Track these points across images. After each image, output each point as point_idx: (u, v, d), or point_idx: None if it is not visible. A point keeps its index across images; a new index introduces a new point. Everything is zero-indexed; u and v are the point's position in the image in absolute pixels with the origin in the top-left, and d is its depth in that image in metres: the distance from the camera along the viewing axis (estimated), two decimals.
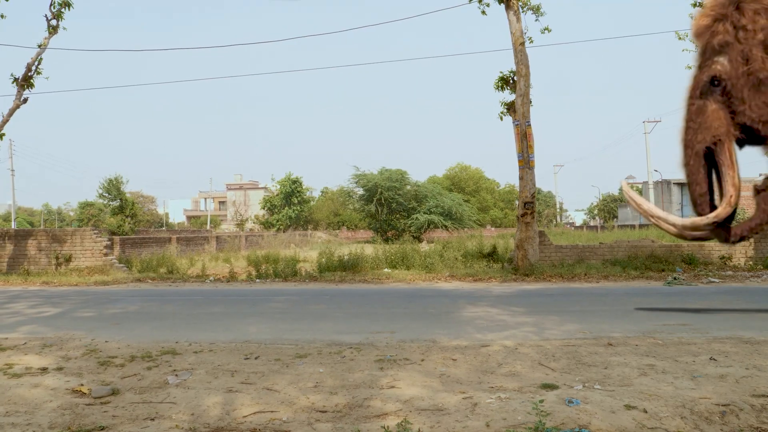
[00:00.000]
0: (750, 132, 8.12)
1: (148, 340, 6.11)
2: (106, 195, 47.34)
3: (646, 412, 3.56)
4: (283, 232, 42.62)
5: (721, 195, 8.25)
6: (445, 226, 40.56)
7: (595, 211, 67.39)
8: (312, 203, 55.88)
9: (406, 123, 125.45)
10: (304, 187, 54.90)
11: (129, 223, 41.91)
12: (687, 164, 8.18)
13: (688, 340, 5.75)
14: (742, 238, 8.32)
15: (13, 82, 15.29)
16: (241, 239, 32.79)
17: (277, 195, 54.23)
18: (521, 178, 13.83)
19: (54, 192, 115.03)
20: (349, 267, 14.86)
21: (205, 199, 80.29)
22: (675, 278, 12.47)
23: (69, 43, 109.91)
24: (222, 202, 78.48)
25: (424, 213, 39.83)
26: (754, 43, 7.84)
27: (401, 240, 23.75)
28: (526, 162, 13.76)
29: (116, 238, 23.40)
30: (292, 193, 53.16)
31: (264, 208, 54.70)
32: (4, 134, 15.25)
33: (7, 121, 15.15)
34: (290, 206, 52.89)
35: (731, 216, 8.02)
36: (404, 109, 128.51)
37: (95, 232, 17.01)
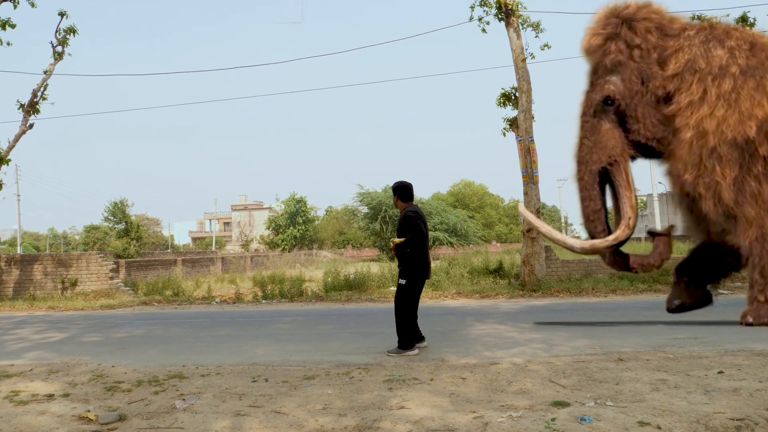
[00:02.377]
0: (644, 148, 8.07)
1: (155, 364, 6.08)
2: (112, 218, 47.54)
3: (659, 428, 3.50)
4: (288, 251, 42.63)
5: (616, 213, 8.21)
6: (451, 243, 40.49)
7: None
8: (317, 222, 55.97)
9: (409, 140, 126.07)
10: (308, 207, 55.02)
11: (134, 246, 42.02)
12: (581, 180, 8.14)
13: (699, 354, 5.68)
14: (631, 270, 8.31)
15: (19, 108, 15.48)
16: (246, 260, 32.80)
17: (281, 215, 54.35)
18: (525, 194, 13.83)
19: (59, 216, 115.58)
20: (356, 286, 14.82)
21: (210, 220, 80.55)
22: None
23: (73, 65, 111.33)
24: (227, 223, 78.69)
25: (430, 230, 39.84)
26: (647, 62, 7.81)
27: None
28: (529, 177, 13.76)
29: (122, 261, 23.44)
30: (296, 212, 53.27)
31: (269, 228, 54.78)
32: (10, 160, 15.39)
33: (13, 146, 15.30)
34: (295, 226, 52.95)
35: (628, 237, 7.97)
36: (407, 126, 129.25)
37: (101, 255, 17.05)
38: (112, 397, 4.72)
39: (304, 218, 53.77)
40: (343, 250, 48.67)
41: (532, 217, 8.52)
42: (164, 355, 6.68)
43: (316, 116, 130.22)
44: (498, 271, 15.50)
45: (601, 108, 7.95)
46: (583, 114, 8.14)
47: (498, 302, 11.97)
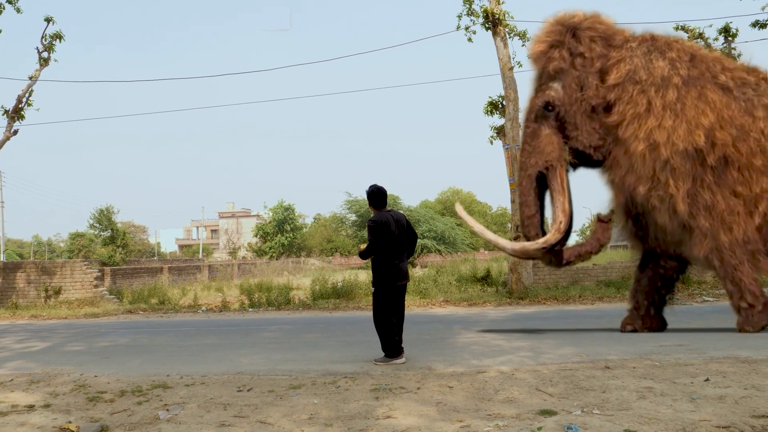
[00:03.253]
0: (583, 156, 8.19)
1: (139, 373, 6.00)
2: (97, 225, 47.04)
3: None
4: (276, 259, 42.42)
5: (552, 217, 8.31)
6: (439, 251, 40.53)
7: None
8: (305, 230, 55.79)
9: (397, 147, 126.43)
10: (296, 214, 54.85)
11: (120, 254, 41.61)
12: (520, 185, 8.35)
13: (685, 361, 5.71)
14: (568, 263, 8.41)
15: (3, 114, 15.30)
16: (233, 268, 32.60)
17: (269, 222, 54.11)
18: (513, 201, 13.88)
19: (44, 223, 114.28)
20: (343, 294, 14.76)
21: (198, 227, 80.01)
22: (670, 298, 12.44)
23: (62, 70, 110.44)
24: (214, 231, 78.22)
25: (418, 237, 39.77)
26: (591, 71, 7.95)
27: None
28: (517, 185, 13.81)
29: (107, 269, 23.19)
30: (284, 220, 53.07)
31: (256, 236, 54.51)
32: None
33: None
34: (283, 233, 52.74)
35: (562, 240, 8.05)
36: (395, 133, 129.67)
37: (85, 263, 16.85)
38: (95, 408, 4.65)
39: (292, 226, 53.59)
40: (331, 257, 48.51)
41: (466, 217, 8.60)
42: (148, 364, 6.59)
43: (305, 123, 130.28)
44: (486, 279, 15.52)
45: (542, 113, 8.07)
46: (526, 119, 8.31)
47: (486, 310, 11.98)
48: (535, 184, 8.12)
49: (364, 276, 17.20)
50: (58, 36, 15.73)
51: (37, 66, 15.66)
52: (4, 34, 14.70)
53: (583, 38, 7.98)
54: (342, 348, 7.33)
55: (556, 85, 8.01)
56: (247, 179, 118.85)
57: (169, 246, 78.31)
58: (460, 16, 14.84)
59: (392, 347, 6.14)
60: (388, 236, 6.09)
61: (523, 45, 15.06)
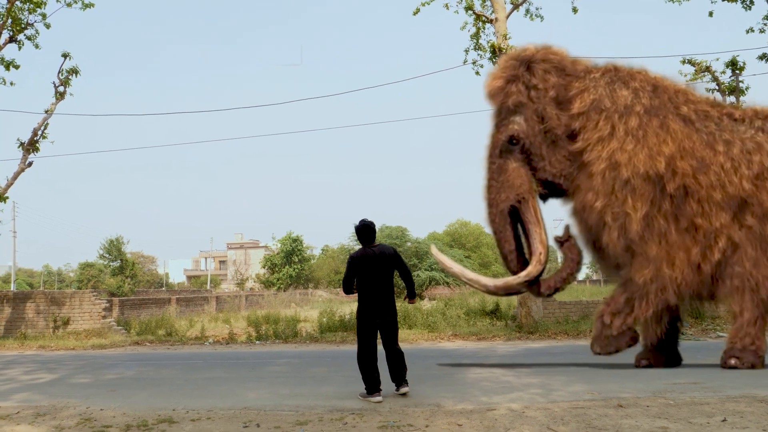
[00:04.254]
0: (551, 186, 8.19)
1: (145, 407, 5.94)
2: (107, 255, 47.31)
3: None
4: (284, 291, 42.30)
5: (530, 249, 8.26)
6: (447, 283, 40.26)
7: (597, 265, 66.98)
8: (312, 261, 55.72)
9: (405, 179, 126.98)
10: (304, 246, 54.87)
11: (129, 284, 41.72)
12: (493, 222, 8.31)
13: (700, 400, 5.59)
14: (556, 290, 8.35)
15: (19, 146, 15.54)
16: (241, 299, 32.52)
17: (277, 254, 54.14)
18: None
19: (54, 253, 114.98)
20: (351, 327, 14.62)
21: (206, 258, 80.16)
22: (682, 333, 12.25)
23: (71, 101, 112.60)
24: (222, 262, 78.30)
25: (425, 270, 39.66)
26: (547, 101, 8.04)
27: (402, 298, 23.59)
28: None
29: (115, 300, 23.21)
30: (292, 251, 53.08)
31: (264, 267, 54.48)
32: (7, 197, 15.38)
33: (11, 184, 15.31)
34: (291, 265, 52.70)
35: (543, 270, 8.02)
36: (403, 165, 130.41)
37: (94, 294, 16.88)
38: None
39: (299, 257, 53.56)
40: (338, 289, 48.32)
41: (443, 258, 8.55)
42: (154, 398, 6.53)
43: (312, 155, 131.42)
44: (495, 313, 15.37)
45: (506, 148, 8.13)
46: (490, 156, 8.33)
47: (495, 344, 11.83)
48: (509, 219, 8.12)
49: None
50: (75, 71, 16.09)
51: (53, 100, 15.99)
52: (21, 69, 15.07)
53: (536, 71, 8.11)
54: (349, 383, 7.24)
55: (518, 119, 8.09)
56: (256, 210, 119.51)
57: (177, 276, 78.38)
58: (467, 51, 15.08)
59: (370, 383, 6.04)
60: (361, 272, 6.14)
61: None
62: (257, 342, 13.61)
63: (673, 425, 4.64)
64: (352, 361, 6.48)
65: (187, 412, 5.62)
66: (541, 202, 8.28)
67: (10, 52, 44.17)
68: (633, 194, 7.47)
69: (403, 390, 6.14)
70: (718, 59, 15.02)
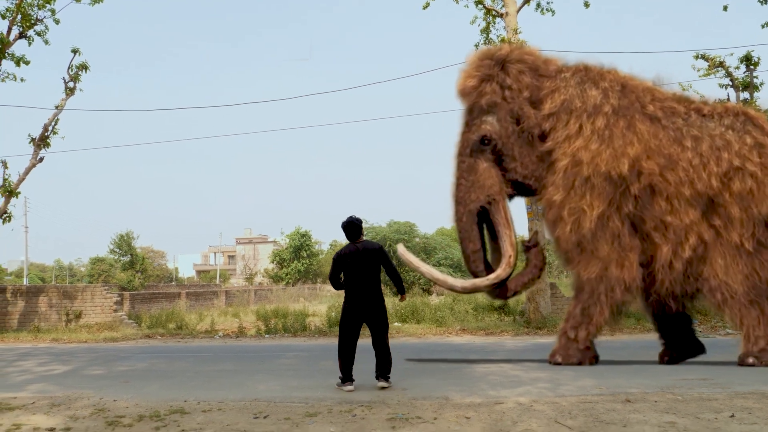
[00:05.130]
0: (520, 186, 8.18)
1: (157, 398, 6.03)
2: (117, 250, 47.65)
3: None
4: (292, 285, 42.48)
5: (494, 251, 8.25)
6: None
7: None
8: (321, 256, 55.84)
9: (414, 174, 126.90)
10: (313, 241, 54.99)
11: (139, 278, 42.05)
12: (459, 221, 8.25)
13: (708, 396, 5.59)
14: (514, 294, 8.34)
15: (30, 142, 15.69)
16: (250, 293, 32.69)
17: (286, 249, 54.31)
18: (530, 230, 13.82)
19: (65, 248, 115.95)
20: None
21: (215, 253, 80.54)
22: (694, 321, 12.22)
23: (81, 97, 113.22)
24: (231, 257, 78.63)
25: (434, 265, 39.67)
26: (521, 101, 7.97)
27: (411, 293, 23.59)
28: (535, 213, 13.78)
29: (126, 294, 23.41)
30: (301, 246, 53.21)
31: (273, 262, 54.69)
32: (19, 192, 15.54)
33: (23, 179, 15.46)
34: (299, 260, 52.86)
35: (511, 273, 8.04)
36: (412, 160, 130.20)
37: (105, 288, 17.06)
38: None
39: (308, 252, 53.68)
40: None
41: (412, 259, 8.50)
42: (166, 389, 6.62)
43: (321, 150, 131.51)
44: (503, 308, 15.37)
45: (477, 147, 8.08)
46: (460, 154, 8.27)
47: (503, 339, 11.85)
48: (476, 219, 8.11)
49: None
50: (84, 66, 16.18)
51: (63, 95, 16.12)
52: (32, 65, 15.18)
53: (511, 71, 8.05)
54: (358, 376, 7.28)
55: (491, 119, 8.04)
56: (265, 206, 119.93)
57: (186, 271, 78.83)
58: (477, 46, 15.05)
59: (345, 373, 6.30)
60: (347, 268, 6.34)
61: None
62: (266, 336, 13.71)
63: (680, 420, 4.66)
64: (361, 355, 6.55)
65: (198, 403, 5.70)
66: (510, 204, 8.29)
67: (20, 48, 44.56)
68: (591, 192, 7.49)
69: (383, 384, 6.30)
70: (732, 54, 14.87)
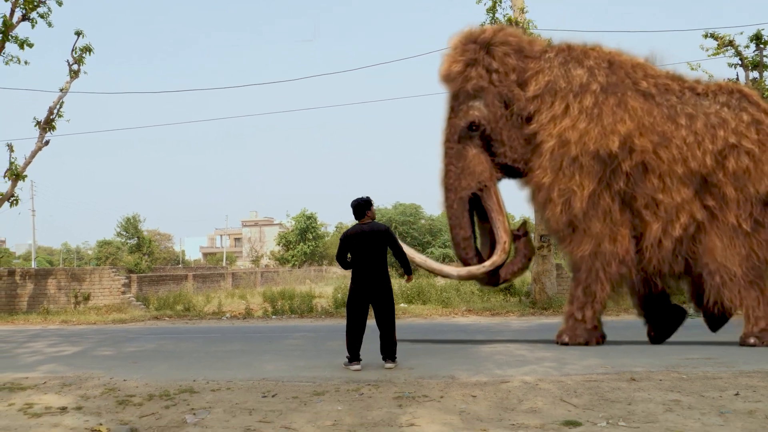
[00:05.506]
0: (509, 169, 8.11)
1: (166, 378, 6.11)
2: (124, 233, 47.88)
3: None
4: (299, 267, 42.67)
5: (481, 235, 8.21)
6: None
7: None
8: (327, 239, 55.97)
9: (420, 156, 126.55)
10: (318, 223, 55.09)
11: (146, 261, 42.27)
12: (450, 207, 8.18)
13: (713, 375, 5.62)
14: (504, 281, 8.35)
15: (35, 125, 15.70)
16: (256, 276, 32.87)
17: (292, 231, 54.46)
18: (536, 212, 13.79)
19: (72, 231, 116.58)
20: None
21: (221, 236, 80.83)
22: (696, 311, 12.22)
23: (86, 81, 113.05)
24: (237, 239, 78.93)
25: (439, 247, 39.71)
26: (510, 84, 7.85)
27: (417, 274, 23.70)
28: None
29: (134, 276, 23.59)
30: (306, 229, 53.32)
31: (279, 245, 54.88)
32: (26, 176, 15.59)
33: (29, 163, 15.50)
34: (305, 242, 53.00)
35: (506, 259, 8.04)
36: (417, 142, 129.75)
37: (113, 270, 17.20)
38: (124, 411, 4.75)
39: (314, 234, 53.81)
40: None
41: (406, 249, 8.45)
42: (175, 369, 6.71)
43: (327, 132, 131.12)
44: (509, 289, 15.41)
45: (466, 134, 7.97)
46: (447, 140, 8.14)
47: (509, 320, 11.91)
48: (467, 206, 8.06)
49: None
50: (88, 49, 16.10)
51: (68, 78, 16.08)
52: (35, 48, 15.13)
53: (496, 54, 7.92)
54: (365, 356, 7.34)
55: (479, 104, 7.92)
56: (270, 188, 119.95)
57: (193, 254, 79.23)
58: (483, 25, 14.85)
59: (353, 353, 6.39)
60: (354, 249, 6.38)
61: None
62: (273, 317, 13.82)
63: (685, 398, 4.69)
64: (367, 335, 6.59)
65: (207, 383, 5.77)
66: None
67: (24, 30, 44.32)
68: (581, 172, 7.45)
69: (389, 365, 6.36)
70: (741, 33, 14.69)
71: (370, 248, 6.35)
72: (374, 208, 6.59)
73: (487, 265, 7.94)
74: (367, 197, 6.55)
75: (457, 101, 8.08)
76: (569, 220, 7.55)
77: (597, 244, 7.46)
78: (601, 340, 7.78)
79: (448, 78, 8.10)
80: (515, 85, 7.88)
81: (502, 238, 7.91)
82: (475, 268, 7.99)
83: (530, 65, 7.91)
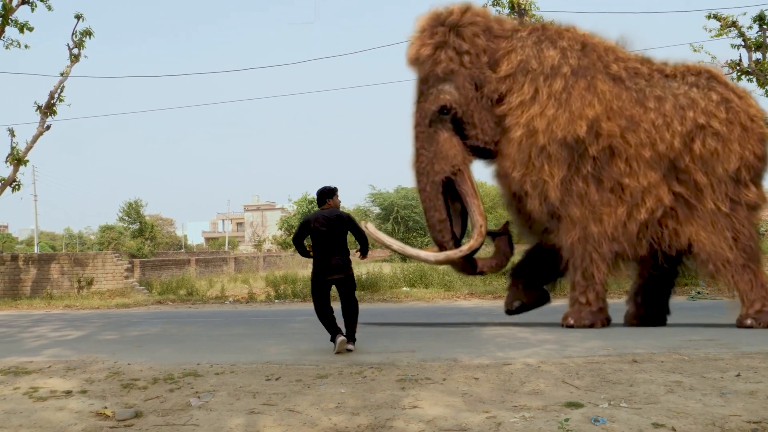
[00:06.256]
0: (483, 152, 8.06)
1: (170, 362, 6.14)
2: (126, 218, 47.90)
3: (674, 430, 3.49)
4: None
5: (455, 218, 8.20)
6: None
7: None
8: None
9: None
10: None
11: (149, 246, 42.35)
12: (423, 191, 8.13)
13: (715, 356, 5.63)
14: (480, 273, 8.36)
15: (36, 110, 15.64)
16: (259, 260, 32.97)
17: (294, 215, 54.47)
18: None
19: (74, 216, 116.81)
20: (368, 286, 14.84)
21: (223, 220, 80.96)
22: (699, 293, 12.25)
23: (87, 66, 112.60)
24: (240, 224, 79.04)
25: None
26: (482, 66, 7.77)
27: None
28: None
29: (136, 261, 23.67)
30: (309, 213, 53.36)
31: (281, 229, 54.94)
32: (27, 161, 15.57)
33: (31, 147, 15.48)
34: None
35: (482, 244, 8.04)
36: None
37: (116, 255, 17.25)
38: (129, 394, 4.79)
39: None
40: (354, 250, 48.68)
41: (383, 236, 8.44)
42: (179, 353, 6.75)
43: (328, 116, 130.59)
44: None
45: (437, 118, 7.87)
46: (418, 124, 8.05)
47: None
48: (441, 189, 8.00)
49: (388, 269, 17.26)
50: (88, 32, 16.01)
51: (68, 62, 15.99)
52: (35, 32, 15.00)
53: (465, 35, 7.80)
54: (368, 339, 7.39)
55: (449, 87, 7.81)
56: (272, 173, 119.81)
57: (195, 238, 79.42)
58: (485, 7, 14.70)
59: (332, 330, 6.49)
60: (314, 233, 6.45)
61: None
62: (276, 301, 13.87)
63: (687, 380, 4.70)
64: (370, 318, 6.62)
65: (211, 366, 5.80)
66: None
67: (24, 14, 44.06)
68: (549, 161, 7.44)
69: (350, 347, 6.45)
70: (745, 13, 14.48)
71: (331, 233, 6.43)
72: (338, 198, 6.68)
73: (465, 249, 7.92)
74: (334, 187, 6.69)
75: (427, 85, 7.97)
76: (549, 210, 7.57)
77: (583, 228, 7.47)
78: (606, 322, 7.80)
79: (416, 62, 7.99)
80: (486, 67, 7.82)
81: (478, 221, 7.88)
82: (452, 252, 7.96)
83: (501, 44, 7.83)
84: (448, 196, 8.18)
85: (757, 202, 7.57)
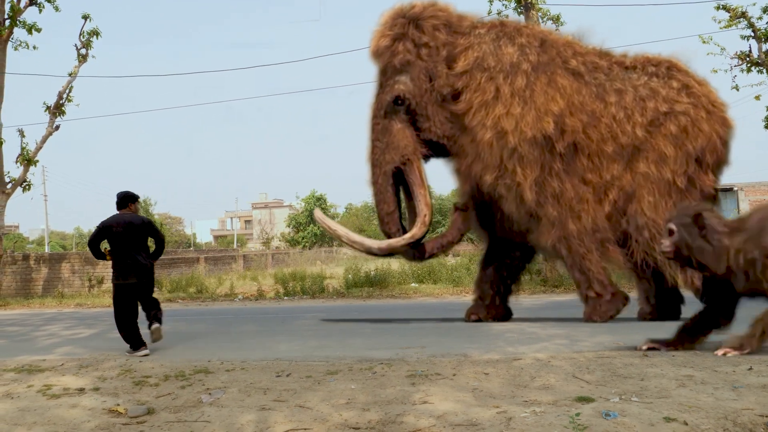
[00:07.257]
0: (436, 146, 8.01)
1: (181, 359, 6.18)
2: None
3: (686, 424, 3.47)
4: (309, 249, 42.86)
5: (410, 212, 8.16)
6: (471, 239, 40.32)
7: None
8: (337, 220, 56.10)
9: None
10: (328, 204, 55.17)
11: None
12: (375, 183, 8.13)
13: None
14: (431, 255, 8.29)
15: (45, 110, 15.76)
16: (267, 257, 33.08)
17: (302, 213, 54.60)
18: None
19: (84, 215, 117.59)
20: (376, 283, 14.87)
21: (231, 218, 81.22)
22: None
23: (94, 66, 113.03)
24: (248, 221, 79.28)
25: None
26: (438, 60, 7.72)
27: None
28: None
29: None
30: (314, 209, 53.45)
31: (289, 226, 55.09)
32: (37, 161, 15.70)
33: (41, 148, 15.60)
34: (315, 223, 53.14)
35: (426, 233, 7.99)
36: None
37: None
38: (141, 391, 4.82)
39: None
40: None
41: (330, 222, 8.49)
42: (190, 350, 6.79)
43: (335, 113, 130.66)
44: None
45: (391, 108, 7.89)
46: (374, 116, 8.09)
47: (520, 298, 11.88)
48: (392, 180, 8.00)
49: (397, 265, 17.27)
50: (95, 33, 16.11)
51: (76, 62, 16.08)
52: (45, 33, 15.11)
53: (425, 28, 7.79)
54: (377, 335, 7.41)
55: (404, 78, 7.82)
56: (280, 170, 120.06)
57: (204, 237, 79.74)
58: (491, 2, 14.68)
59: (134, 341, 6.57)
60: (112, 238, 6.52)
61: (556, 29, 14.74)
62: (285, 298, 13.93)
63: (698, 373, 4.68)
64: (379, 315, 6.62)
65: (221, 363, 5.83)
66: (425, 164, 8.19)
67: (32, 15, 44.42)
68: (521, 163, 7.38)
69: (154, 326, 6.67)
70: (755, 4, 14.21)
71: (128, 238, 6.51)
72: (139, 204, 6.85)
73: (407, 237, 7.90)
74: (135, 194, 6.83)
75: (385, 76, 8.02)
76: (528, 211, 7.53)
77: (562, 227, 7.42)
78: (626, 301, 7.69)
79: (376, 53, 8.04)
80: (442, 62, 7.79)
81: (423, 211, 7.87)
82: (395, 241, 7.96)
83: (460, 41, 7.80)
84: (405, 195, 8.22)
85: (711, 191, 7.54)
